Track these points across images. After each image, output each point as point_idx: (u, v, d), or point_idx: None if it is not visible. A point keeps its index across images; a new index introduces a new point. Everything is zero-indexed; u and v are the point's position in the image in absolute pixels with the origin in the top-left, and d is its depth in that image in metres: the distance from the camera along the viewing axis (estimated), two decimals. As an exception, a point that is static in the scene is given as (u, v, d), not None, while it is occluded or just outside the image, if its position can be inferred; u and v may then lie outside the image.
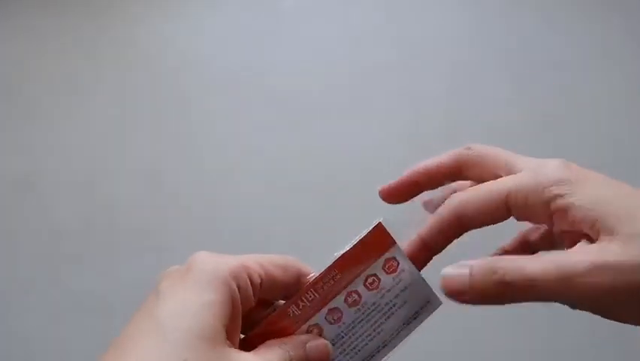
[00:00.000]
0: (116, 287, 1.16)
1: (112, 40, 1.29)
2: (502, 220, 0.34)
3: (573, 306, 0.30)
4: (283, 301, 0.33)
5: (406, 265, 0.34)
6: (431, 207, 0.37)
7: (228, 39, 1.27)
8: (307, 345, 0.32)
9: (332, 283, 0.32)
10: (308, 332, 0.33)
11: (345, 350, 0.33)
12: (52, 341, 1.16)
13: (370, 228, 0.33)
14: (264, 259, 0.32)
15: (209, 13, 1.28)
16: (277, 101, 1.23)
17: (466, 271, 0.31)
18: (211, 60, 1.26)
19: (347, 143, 1.21)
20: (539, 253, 0.35)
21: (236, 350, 0.29)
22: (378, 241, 0.33)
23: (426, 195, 0.38)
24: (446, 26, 1.25)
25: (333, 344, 0.33)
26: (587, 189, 0.32)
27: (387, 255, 0.33)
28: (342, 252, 0.33)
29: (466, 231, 0.34)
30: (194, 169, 1.22)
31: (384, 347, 0.34)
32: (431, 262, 0.35)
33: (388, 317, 0.34)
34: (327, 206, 1.18)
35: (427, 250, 0.34)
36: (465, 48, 1.23)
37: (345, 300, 0.33)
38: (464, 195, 0.33)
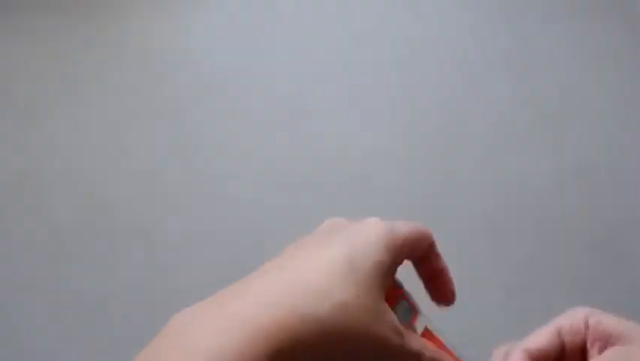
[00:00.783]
0: (115, 287, 1.16)
1: (110, 40, 1.29)
2: None
3: None
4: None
5: None
6: None
7: (227, 38, 1.27)
8: None
9: None
10: None
11: None
12: (52, 341, 1.16)
13: None
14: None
15: (208, 13, 1.28)
16: (276, 100, 1.23)
17: None
18: (210, 60, 1.26)
19: (346, 143, 1.21)
20: None
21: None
22: None
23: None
24: (446, 26, 1.24)
25: None
26: None
27: None
28: None
29: None
30: (194, 169, 1.22)
31: None
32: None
33: None
34: (326, 206, 1.18)
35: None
36: (465, 48, 1.23)
37: None
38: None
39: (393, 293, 0.32)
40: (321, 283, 0.28)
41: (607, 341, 0.35)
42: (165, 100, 1.25)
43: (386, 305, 0.29)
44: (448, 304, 0.36)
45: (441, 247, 0.36)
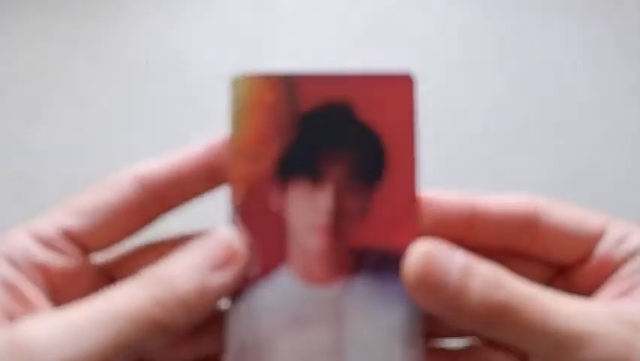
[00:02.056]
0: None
1: (112, 39, 1.29)
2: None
3: None
4: None
5: None
6: None
7: (228, 39, 1.27)
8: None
9: None
10: None
11: None
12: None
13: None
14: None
15: (209, 13, 1.28)
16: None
17: (454, 263, 0.22)
18: (211, 60, 1.26)
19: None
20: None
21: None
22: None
23: None
24: (444, 26, 1.24)
25: None
26: None
27: None
28: None
29: None
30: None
31: None
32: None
33: None
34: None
35: None
36: (464, 48, 1.23)
37: None
38: None
39: None
40: None
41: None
42: (167, 100, 1.25)
43: None
44: None
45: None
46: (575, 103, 1.20)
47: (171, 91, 1.25)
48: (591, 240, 0.24)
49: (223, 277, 0.22)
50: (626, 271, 0.24)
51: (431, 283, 0.21)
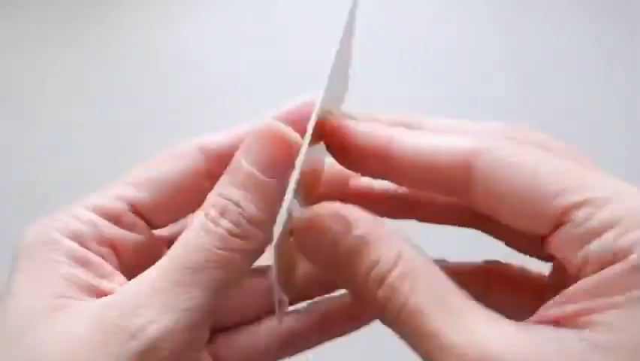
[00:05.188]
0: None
1: (119, 41, 1.29)
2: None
3: None
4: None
5: None
6: None
7: (238, 41, 1.27)
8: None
9: None
10: None
11: None
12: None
13: None
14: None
15: (218, 15, 1.28)
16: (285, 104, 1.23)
17: (347, 236, 0.18)
18: (219, 62, 1.26)
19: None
20: None
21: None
22: None
23: None
24: (445, 26, 1.24)
25: None
26: None
27: None
28: None
29: None
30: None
31: None
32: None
33: None
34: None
35: None
36: (464, 48, 1.23)
37: None
38: None
39: None
40: None
41: None
42: (173, 102, 1.25)
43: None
44: None
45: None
46: (580, 104, 1.19)
47: (183, 91, 1.25)
48: (551, 214, 0.17)
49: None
50: (600, 278, 0.15)
51: (316, 250, 0.18)
